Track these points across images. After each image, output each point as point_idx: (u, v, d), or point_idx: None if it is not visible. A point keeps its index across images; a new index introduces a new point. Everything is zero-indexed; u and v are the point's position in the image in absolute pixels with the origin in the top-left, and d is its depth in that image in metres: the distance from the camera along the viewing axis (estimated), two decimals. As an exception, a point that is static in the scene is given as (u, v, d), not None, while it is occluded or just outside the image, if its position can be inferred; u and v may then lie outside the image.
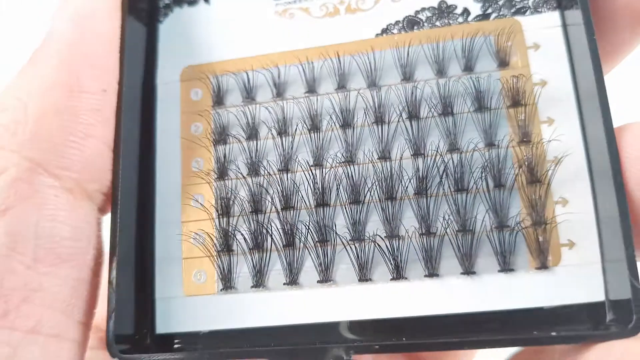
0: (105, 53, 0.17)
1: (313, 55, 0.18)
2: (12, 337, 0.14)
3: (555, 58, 0.16)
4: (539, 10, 0.17)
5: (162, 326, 0.17)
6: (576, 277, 0.15)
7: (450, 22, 0.17)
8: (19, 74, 0.16)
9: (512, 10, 0.17)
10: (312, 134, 0.17)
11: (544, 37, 0.17)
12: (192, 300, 0.17)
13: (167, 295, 0.17)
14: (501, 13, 0.17)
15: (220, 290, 0.17)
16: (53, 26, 0.16)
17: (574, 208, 0.15)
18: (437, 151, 0.16)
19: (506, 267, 0.15)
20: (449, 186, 0.16)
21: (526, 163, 0.16)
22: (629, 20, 0.16)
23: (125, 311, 0.16)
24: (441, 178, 0.16)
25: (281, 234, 0.17)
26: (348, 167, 0.17)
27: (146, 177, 0.18)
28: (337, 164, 0.17)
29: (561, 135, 0.16)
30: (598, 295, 0.15)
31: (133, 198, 0.17)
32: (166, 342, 0.17)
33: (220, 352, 0.15)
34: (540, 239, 0.15)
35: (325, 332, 0.16)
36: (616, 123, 0.15)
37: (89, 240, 0.16)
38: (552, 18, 0.17)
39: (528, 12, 0.17)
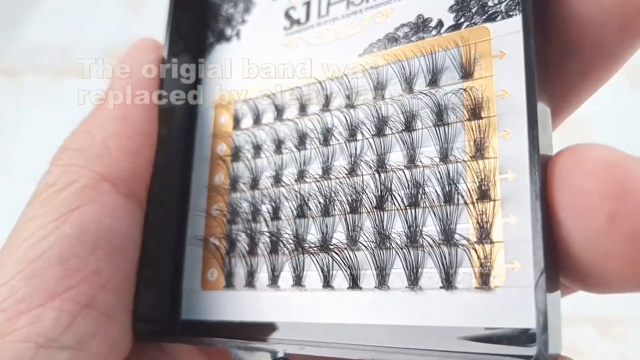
0: (151, 94, 0.21)
1: (308, 81, 0.20)
2: (73, 308, 0.17)
3: (519, 66, 0.15)
4: (510, 14, 0.16)
5: (186, 313, 0.21)
6: (517, 300, 0.14)
7: (424, 35, 0.18)
8: (88, 115, 0.21)
9: (484, 17, 0.17)
10: (297, 152, 0.19)
11: (510, 43, 0.16)
12: (206, 293, 0.20)
13: (191, 288, 0.21)
14: (473, 21, 0.17)
15: (224, 287, 0.20)
16: (112, 80, 0.21)
17: (521, 227, 0.15)
18: (386, 167, 0.17)
19: (448, 284, 0.15)
20: (402, 201, 0.16)
21: (477, 178, 0.15)
22: (615, 28, 0.14)
23: (159, 298, 0.20)
24: (391, 194, 0.17)
25: (268, 241, 0.19)
26: (320, 182, 0.18)
27: (184, 189, 0.22)
28: (313, 180, 0.18)
29: (512, 149, 0.15)
30: (529, 322, 0.14)
31: (172, 206, 0.21)
32: (187, 328, 0.20)
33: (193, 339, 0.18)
34: (483, 258, 0.15)
35: (298, 330, 0.18)
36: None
37: (137, 238, 0.20)
38: (517, 22, 0.16)
39: (499, 17, 0.16)
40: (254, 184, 0.20)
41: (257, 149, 0.20)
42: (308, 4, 0.21)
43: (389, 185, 0.17)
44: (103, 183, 0.19)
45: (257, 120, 0.21)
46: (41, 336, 0.17)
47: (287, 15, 0.21)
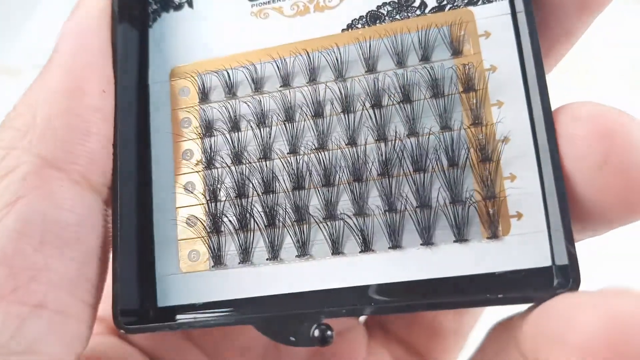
0: (103, 60, 0.19)
1: (285, 52, 0.19)
2: (21, 311, 0.16)
3: (505, 44, 0.18)
4: (491, 0, 0.18)
5: (163, 300, 0.19)
6: (524, 245, 0.17)
7: (409, 15, 0.19)
8: (31, 86, 0.18)
9: (466, 1, 0.19)
10: (287, 125, 0.19)
11: (494, 25, 0.18)
12: (188, 276, 0.19)
13: (166, 273, 0.19)
14: (455, 4, 0.19)
15: (212, 267, 0.19)
16: (58, 42, 0.18)
17: (522, 183, 0.17)
18: (396, 136, 0.18)
19: (461, 237, 0.17)
20: (409, 167, 0.18)
21: (478, 143, 0.18)
22: (574, 9, 0.18)
23: (129, 288, 0.19)
24: (400, 160, 0.18)
25: (262, 215, 0.19)
26: (319, 153, 0.19)
27: (143, 169, 0.20)
28: (310, 151, 0.19)
29: (509, 116, 0.17)
30: (545, 261, 0.17)
31: (132, 188, 0.19)
32: (167, 314, 0.19)
33: (209, 322, 0.18)
34: (491, 211, 0.17)
35: (303, 300, 0.18)
36: (560, 103, 0.17)
37: (93, 227, 0.18)
38: (501, 6, 0.18)
39: (480, 2, 0.18)
40: (237, 158, 0.19)
41: (236, 122, 0.20)
42: None
43: (401, 151, 0.18)
44: (48, 169, 0.17)
45: (230, 92, 0.20)
46: None
47: None
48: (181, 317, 0.19)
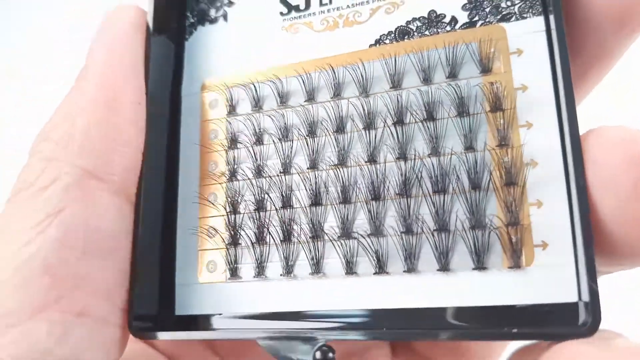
0: (137, 72, 0.19)
1: (312, 67, 0.19)
2: (65, 319, 0.16)
3: (537, 63, 0.17)
4: (524, 15, 0.17)
5: (181, 309, 0.19)
6: (549, 278, 0.16)
7: (439, 30, 0.18)
8: (67, 97, 0.19)
9: (498, 17, 0.18)
10: (309, 140, 0.19)
11: (527, 42, 0.17)
12: (205, 287, 0.19)
13: (185, 282, 0.20)
14: (487, 20, 0.18)
15: (228, 278, 0.19)
16: (91, 54, 0.19)
17: (549, 210, 0.16)
18: (415, 155, 0.17)
19: (480, 265, 0.16)
20: (429, 188, 0.17)
21: (503, 166, 0.17)
22: (614, 26, 0.16)
23: (149, 294, 0.19)
24: (419, 181, 0.17)
25: (279, 230, 0.19)
26: (338, 170, 0.18)
27: (171, 179, 0.20)
28: (329, 168, 0.18)
29: (538, 139, 0.16)
30: (571, 297, 0.15)
31: (159, 197, 0.20)
32: (184, 322, 0.19)
33: (214, 334, 0.18)
34: (514, 239, 0.16)
35: (312, 319, 0.18)
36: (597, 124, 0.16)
37: (127, 236, 0.18)
38: (536, 23, 0.17)
39: (513, 18, 0.18)
40: (259, 172, 0.19)
41: (260, 135, 0.20)
42: None
43: (420, 172, 0.17)
44: (89, 180, 0.18)
45: (257, 106, 0.20)
46: (33, 351, 0.16)
47: (284, 1, 0.21)
48: (193, 327, 0.19)
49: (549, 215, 0.16)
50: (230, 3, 0.21)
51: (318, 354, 0.16)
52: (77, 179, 0.17)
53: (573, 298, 0.15)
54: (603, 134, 0.15)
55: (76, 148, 0.18)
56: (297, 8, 0.20)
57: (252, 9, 0.21)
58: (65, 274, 0.17)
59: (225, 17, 0.21)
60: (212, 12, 0.22)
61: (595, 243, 0.15)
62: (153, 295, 0.19)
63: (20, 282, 0.16)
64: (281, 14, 0.21)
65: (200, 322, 0.19)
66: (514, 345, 0.17)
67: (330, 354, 0.15)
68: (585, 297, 0.15)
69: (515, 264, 0.16)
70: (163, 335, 0.18)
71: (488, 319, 0.16)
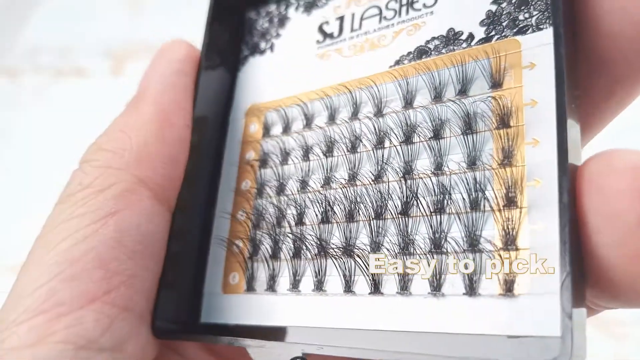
0: (188, 98, 0.22)
1: (338, 91, 0.20)
2: (111, 311, 0.18)
3: (548, 76, 0.16)
4: (541, 27, 0.16)
5: (206, 317, 0.21)
6: (541, 307, 0.14)
7: (455, 48, 0.18)
8: (121, 115, 0.22)
9: (514, 30, 0.17)
10: (325, 159, 0.19)
11: (540, 55, 0.16)
12: (227, 297, 0.20)
13: (211, 291, 0.21)
14: (503, 34, 0.17)
15: (245, 290, 0.20)
16: (145, 83, 0.22)
17: (549, 235, 0.14)
18: (413, 174, 0.17)
19: (471, 291, 0.15)
20: (427, 208, 0.16)
21: (504, 185, 0.15)
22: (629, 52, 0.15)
23: (177, 302, 0.21)
24: (417, 200, 0.17)
25: (291, 246, 0.19)
26: (347, 189, 0.18)
27: (212, 194, 0.22)
28: (339, 186, 0.19)
29: (542, 157, 0.15)
30: (554, 330, 0.14)
31: (197, 210, 0.22)
32: (206, 330, 0.20)
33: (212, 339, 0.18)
34: (509, 264, 0.15)
35: (317, 334, 0.18)
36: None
37: (165, 242, 0.20)
38: (550, 34, 0.16)
39: (530, 31, 0.16)
40: (280, 189, 0.20)
41: (285, 155, 0.20)
42: (342, 19, 0.21)
43: (415, 191, 0.17)
44: (142, 188, 0.19)
45: (286, 128, 0.21)
46: (81, 338, 0.17)
47: (321, 30, 0.22)
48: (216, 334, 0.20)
49: (547, 239, 0.14)
50: (278, 35, 0.23)
51: (291, 365, 0.16)
52: (132, 186, 0.19)
53: (555, 332, 0.13)
54: (611, 157, 0.13)
55: (132, 159, 0.20)
56: (331, 36, 0.21)
57: (295, 39, 0.22)
58: (115, 270, 0.18)
59: (272, 48, 0.23)
60: (263, 45, 0.23)
61: (591, 276, 0.13)
62: (184, 302, 0.21)
63: (74, 275, 0.18)
64: (317, 42, 0.22)
65: (220, 331, 0.20)
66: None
67: (302, 366, 0.15)
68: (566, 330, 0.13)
69: (508, 291, 0.15)
70: (185, 337, 0.20)
71: (480, 349, 0.15)
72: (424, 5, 0.19)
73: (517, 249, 0.15)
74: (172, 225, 0.20)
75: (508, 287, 0.15)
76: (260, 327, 0.19)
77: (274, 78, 0.22)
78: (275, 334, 0.18)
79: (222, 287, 0.21)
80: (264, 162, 0.21)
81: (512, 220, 0.15)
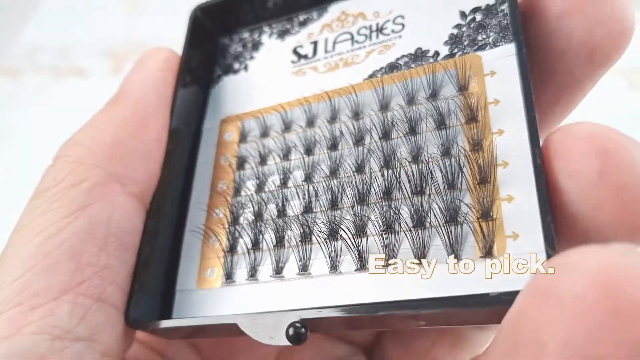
0: (166, 103, 0.23)
1: (315, 100, 0.22)
2: (85, 301, 0.18)
3: (508, 81, 0.19)
4: (497, 44, 0.20)
5: (178, 313, 0.20)
6: (520, 266, 0.16)
7: (423, 63, 0.21)
8: (99, 113, 0.22)
9: (475, 48, 0.20)
10: (306, 157, 0.21)
11: (499, 65, 0.19)
12: (202, 292, 0.20)
13: (184, 288, 0.21)
14: (465, 51, 0.20)
15: (223, 283, 0.20)
16: (126, 86, 0.23)
17: (519, 204, 0.17)
18: (399, 162, 0.19)
19: (455, 256, 0.17)
20: (408, 191, 0.18)
21: (477, 167, 0.18)
22: (583, 59, 0.18)
23: (148, 299, 0.20)
24: (399, 183, 0.18)
25: (273, 236, 0.20)
26: (329, 180, 0.20)
27: (185, 194, 0.22)
28: (321, 179, 0.20)
29: (509, 143, 0.18)
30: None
31: (174, 208, 0.22)
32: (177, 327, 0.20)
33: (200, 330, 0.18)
34: (486, 232, 0.17)
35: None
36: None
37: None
38: (507, 49, 0.19)
39: (488, 47, 0.20)
40: (260, 186, 0.21)
41: (264, 155, 0.22)
42: (315, 43, 0.24)
43: (398, 176, 0.19)
44: (114, 183, 0.20)
45: (264, 132, 0.22)
46: (56, 328, 0.17)
47: (295, 52, 0.24)
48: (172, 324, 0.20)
49: (520, 208, 0.17)
50: (252, 57, 0.25)
51: (291, 331, 0.16)
52: (103, 180, 0.20)
53: None
54: (569, 129, 0.16)
55: (105, 155, 0.20)
56: (305, 57, 0.24)
57: (269, 60, 0.24)
58: (88, 262, 0.18)
59: (246, 68, 0.25)
60: (236, 65, 0.25)
61: (564, 227, 0.15)
62: (154, 302, 0.20)
63: (47, 266, 0.18)
64: (292, 62, 0.24)
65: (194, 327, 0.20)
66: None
67: (303, 329, 0.16)
68: None
69: (487, 253, 0.16)
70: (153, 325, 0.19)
71: (462, 309, 0.16)
72: (393, 31, 0.22)
73: (492, 219, 0.17)
74: (145, 223, 0.21)
75: (487, 251, 0.17)
76: (243, 314, 0.19)
77: (249, 92, 0.24)
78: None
79: (197, 283, 0.21)
80: (241, 163, 0.22)
81: (486, 195, 0.17)
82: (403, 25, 0.22)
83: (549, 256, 0.15)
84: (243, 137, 0.23)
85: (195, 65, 0.25)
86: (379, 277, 0.18)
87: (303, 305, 0.18)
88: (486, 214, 0.17)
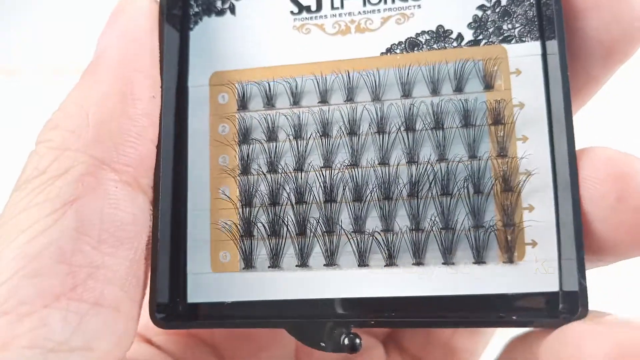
0: (152, 65, 0.19)
1: (326, 69, 0.20)
2: (80, 308, 0.16)
3: (534, 83, 0.19)
4: (523, 39, 0.20)
5: (193, 296, 0.20)
6: (536, 271, 0.19)
7: (446, 45, 0.20)
8: (78, 86, 0.19)
9: (500, 38, 0.20)
10: (324, 140, 0.20)
11: (525, 63, 0.20)
12: (218, 275, 0.20)
13: (197, 271, 0.20)
14: (490, 40, 0.20)
15: (243, 268, 0.20)
16: (103, 44, 0.19)
17: (539, 214, 0.19)
18: (428, 160, 0.19)
19: (479, 260, 0.19)
20: (437, 191, 0.19)
21: (501, 174, 0.19)
22: (600, 57, 0.19)
23: (162, 284, 0.20)
24: (430, 184, 0.19)
25: (294, 224, 0.20)
26: (352, 170, 0.20)
27: (180, 172, 0.21)
28: (344, 167, 0.20)
29: (532, 151, 0.19)
30: (554, 287, 0.18)
31: (169, 190, 0.20)
32: (196, 310, 0.20)
33: (243, 323, 0.19)
34: (509, 238, 0.19)
35: (331, 307, 0.19)
36: (584, 143, 0.18)
37: (143, 227, 0.19)
38: (534, 47, 0.20)
39: (513, 41, 0.20)
40: (272, 167, 0.20)
41: (273, 132, 0.20)
42: None
43: (422, 176, 0.19)
44: (103, 170, 0.18)
45: (269, 104, 0.21)
46: (49, 340, 0.16)
47: (294, 0, 0.21)
48: (212, 314, 0.20)
49: (539, 218, 0.19)
50: None
51: (346, 340, 0.17)
52: (91, 168, 0.17)
53: (555, 288, 0.18)
54: (592, 153, 0.18)
55: (90, 138, 0.18)
56: (308, 9, 0.21)
57: (260, 5, 0.22)
58: (81, 263, 0.17)
59: (232, 10, 0.22)
60: (219, 4, 0.22)
61: (585, 244, 0.18)
62: (165, 284, 0.20)
63: (35, 271, 0.16)
64: (292, 12, 0.21)
65: (213, 310, 0.20)
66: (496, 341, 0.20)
67: (358, 340, 0.17)
68: (568, 287, 0.18)
69: (509, 259, 0.19)
70: (186, 325, 0.19)
71: (486, 307, 0.19)
72: None
73: (515, 226, 0.19)
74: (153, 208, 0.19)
75: (509, 256, 0.19)
76: (267, 302, 0.20)
77: (241, 45, 0.21)
78: (304, 307, 0.19)
79: (211, 266, 0.20)
80: (245, 137, 0.21)
81: (511, 203, 0.19)
82: None
83: (580, 286, 0.17)
84: (243, 104, 0.21)
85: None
86: (409, 271, 0.19)
87: (331, 295, 0.19)
88: (509, 222, 0.19)
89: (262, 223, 0.20)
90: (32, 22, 0.52)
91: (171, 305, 0.20)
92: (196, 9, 0.22)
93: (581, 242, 0.17)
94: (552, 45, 0.19)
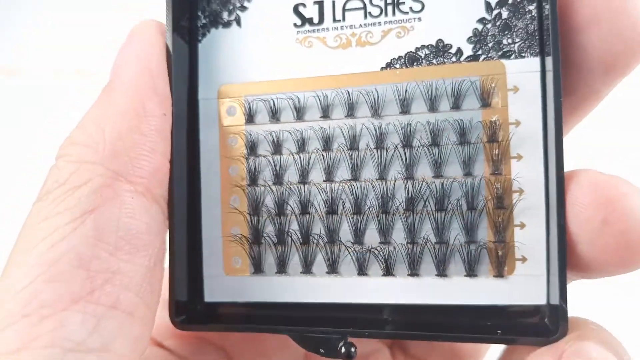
0: (163, 84, 0.21)
1: (328, 84, 0.21)
2: (97, 310, 0.18)
3: (531, 100, 0.19)
4: (523, 55, 0.20)
5: (209, 296, 0.22)
6: (525, 285, 0.20)
7: (445, 60, 0.20)
8: (95, 104, 0.20)
9: (499, 53, 0.20)
10: (325, 155, 0.21)
11: (523, 80, 0.20)
12: (230, 278, 0.22)
13: (212, 274, 0.22)
14: (489, 55, 0.20)
15: (252, 273, 0.22)
16: (119, 64, 0.20)
17: (530, 232, 0.19)
18: (423, 177, 0.20)
19: (471, 273, 0.20)
20: (432, 206, 0.20)
21: (495, 192, 0.20)
22: (601, 71, 0.19)
23: (181, 285, 0.22)
24: (425, 200, 0.20)
25: (299, 234, 0.21)
26: (352, 184, 0.21)
27: (193, 183, 0.22)
28: (344, 181, 0.21)
29: (526, 170, 0.19)
30: (541, 300, 0.19)
31: (184, 200, 0.22)
32: (212, 308, 0.22)
33: (253, 328, 0.21)
34: (500, 253, 0.20)
35: (332, 312, 0.21)
36: (575, 164, 0.19)
37: (157, 235, 0.20)
38: (532, 63, 0.19)
39: (513, 56, 0.20)
40: (278, 180, 0.22)
41: (278, 146, 0.22)
42: (320, 4, 0.21)
43: (418, 192, 0.20)
44: (119, 182, 0.19)
45: (274, 118, 0.22)
46: (68, 340, 0.17)
47: (297, 12, 0.22)
48: (226, 314, 0.22)
49: (530, 235, 0.19)
50: (243, 8, 0.22)
51: (343, 349, 0.19)
52: (109, 180, 0.19)
53: (543, 301, 0.19)
54: (578, 177, 0.18)
55: (107, 153, 0.19)
56: (310, 21, 0.22)
57: (265, 17, 0.22)
58: (98, 268, 0.18)
59: (238, 22, 0.22)
60: (225, 15, 0.22)
61: (570, 262, 0.19)
62: (183, 286, 0.22)
63: (55, 275, 0.17)
64: (295, 25, 0.22)
65: (227, 309, 0.22)
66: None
67: (353, 349, 0.19)
68: (554, 301, 0.19)
69: (499, 273, 0.20)
70: (202, 328, 0.22)
71: (477, 317, 0.20)
72: (412, 10, 0.21)
73: (507, 242, 0.20)
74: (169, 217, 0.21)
75: (499, 271, 0.20)
76: (273, 303, 0.22)
77: (247, 57, 0.22)
78: (308, 310, 0.21)
79: (224, 270, 0.22)
80: (252, 150, 0.22)
81: (502, 220, 0.20)
82: (423, 5, 0.21)
83: (561, 307, 0.18)
84: (250, 118, 0.22)
85: (175, 10, 0.22)
86: (405, 281, 0.21)
87: (333, 300, 0.21)
88: (501, 238, 0.20)
89: (268, 232, 0.22)
90: (32, 22, 0.52)
91: (190, 304, 0.22)
92: (204, 21, 0.23)
93: (564, 266, 0.18)
94: (550, 62, 0.19)
